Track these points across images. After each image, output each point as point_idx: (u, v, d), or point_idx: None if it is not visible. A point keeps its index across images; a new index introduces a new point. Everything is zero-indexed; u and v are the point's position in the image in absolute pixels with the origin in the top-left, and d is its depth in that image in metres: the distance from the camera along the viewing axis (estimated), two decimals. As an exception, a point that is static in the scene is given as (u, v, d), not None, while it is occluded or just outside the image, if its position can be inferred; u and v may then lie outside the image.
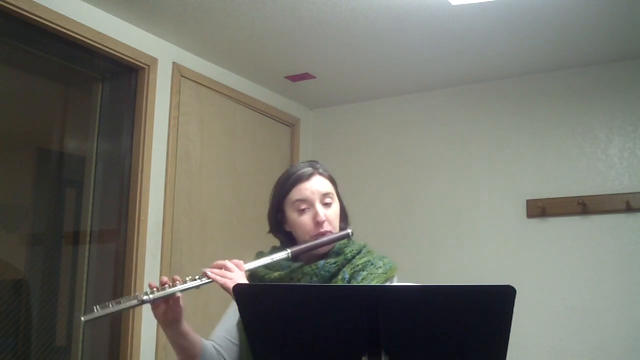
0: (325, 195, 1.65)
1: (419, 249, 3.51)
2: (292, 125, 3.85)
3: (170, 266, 2.86)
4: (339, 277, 1.59)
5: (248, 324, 1.25)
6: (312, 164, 1.69)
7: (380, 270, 1.59)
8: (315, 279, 1.58)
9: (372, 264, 1.60)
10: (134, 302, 1.45)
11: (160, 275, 2.81)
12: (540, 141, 3.33)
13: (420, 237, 3.55)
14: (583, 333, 3.07)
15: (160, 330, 2.76)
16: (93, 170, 2.83)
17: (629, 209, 3.05)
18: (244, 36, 2.95)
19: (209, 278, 1.50)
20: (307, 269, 1.60)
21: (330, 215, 1.64)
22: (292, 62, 3.27)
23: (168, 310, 1.50)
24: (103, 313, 1.44)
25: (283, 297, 1.25)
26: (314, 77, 3.47)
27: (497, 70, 3.38)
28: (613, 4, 2.61)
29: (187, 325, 1.52)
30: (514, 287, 1.11)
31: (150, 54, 2.89)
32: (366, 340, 1.15)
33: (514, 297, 1.11)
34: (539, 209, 3.25)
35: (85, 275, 2.74)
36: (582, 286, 3.11)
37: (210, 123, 3.21)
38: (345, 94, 3.76)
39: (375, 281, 1.56)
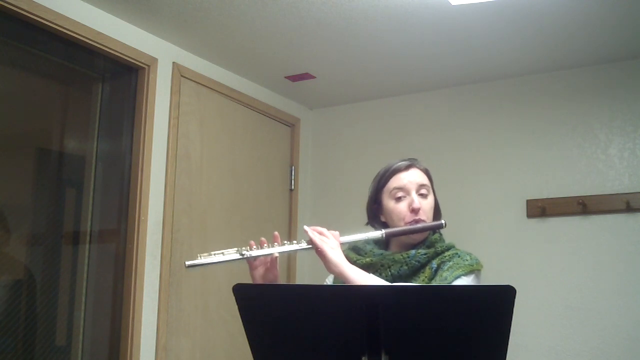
0: (422, 186, 1.74)
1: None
2: (292, 125, 3.85)
3: (170, 266, 2.86)
4: (427, 267, 1.66)
5: (248, 324, 1.25)
6: (410, 159, 1.78)
7: (466, 262, 1.65)
8: (405, 267, 1.65)
9: (459, 256, 1.67)
10: (236, 255, 1.58)
11: (161, 274, 2.82)
12: (540, 141, 3.33)
13: (420, 237, 3.53)
14: (583, 333, 3.07)
15: (161, 330, 2.77)
16: (93, 170, 2.83)
17: (629, 209, 3.04)
18: (244, 36, 2.95)
19: (308, 241, 1.58)
20: (398, 256, 1.67)
21: (425, 205, 1.72)
22: (292, 62, 3.26)
23: (266, 273, 1.63)
24: (205, 261, 1.56)
25: (283, 297, 1.26)
26: (314, 77, 3.46)
27: (497, 70, 3.37)
28: (613, 4, 2.61)
29: None
30: (514, 287, 1.11)
31: (150, 54, 2.89)
32: (366, 340, 1.16)
33: (514, 297, 1.11)
34: (539, 209, 3.24)
35: (85, 275, 2.74)
36: (582, 286, 3.11)
37: (210, 123, 3.21)
38: (345, 94, 3.76)
39: (460, 270, 1.62)
